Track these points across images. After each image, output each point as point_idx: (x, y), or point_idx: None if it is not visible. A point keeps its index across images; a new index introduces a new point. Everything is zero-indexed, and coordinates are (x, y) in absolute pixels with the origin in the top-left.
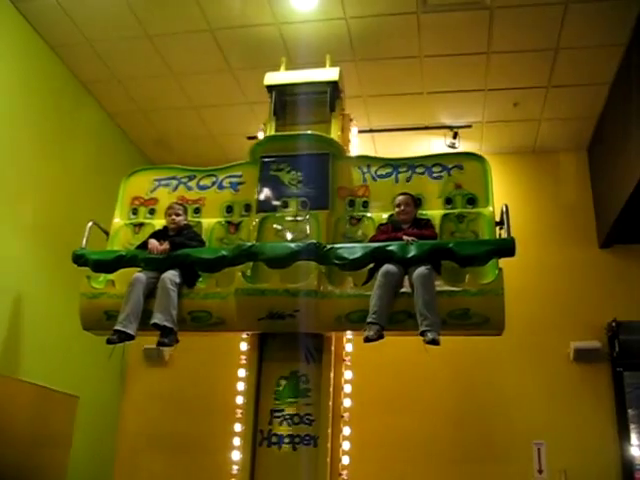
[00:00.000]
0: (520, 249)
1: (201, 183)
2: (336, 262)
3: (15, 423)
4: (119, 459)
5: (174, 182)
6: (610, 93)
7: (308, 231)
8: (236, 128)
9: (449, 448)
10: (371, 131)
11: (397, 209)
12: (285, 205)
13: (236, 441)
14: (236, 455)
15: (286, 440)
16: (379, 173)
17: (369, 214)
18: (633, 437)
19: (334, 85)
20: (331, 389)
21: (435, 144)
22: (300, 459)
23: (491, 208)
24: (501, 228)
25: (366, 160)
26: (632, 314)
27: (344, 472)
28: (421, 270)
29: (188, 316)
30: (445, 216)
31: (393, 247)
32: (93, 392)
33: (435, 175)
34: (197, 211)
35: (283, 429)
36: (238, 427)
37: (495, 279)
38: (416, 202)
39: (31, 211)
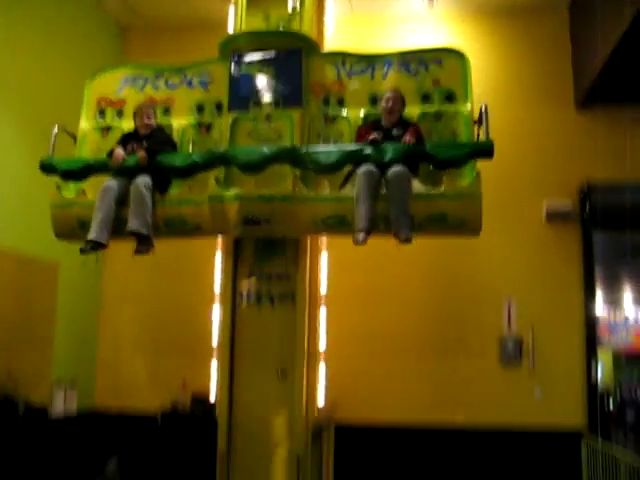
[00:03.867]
0: (497, 109)
1: (170, 82)
2: (311, 166)
3: None
4: (103, 321)
5: (141, 81)
6: None
7: (282, 131)
8: None
9: (424, 308)
10: None
11: (384, 105)
12: (257, 104)
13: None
14: (217, 313)
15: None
16: (354, 69)
17: (344, 113)
18: (598, 294)
19: None
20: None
21: (413, 3)
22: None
23: (469, 105)
24: (479, 127)
25: (340, 56)
26: (605, 175)
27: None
28: (396, 169)
29: (162, 223)
30: (422, 115)
31: (369, 150)
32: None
33: (412, 71)
34: (166, 111)
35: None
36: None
37: (472, 182)
38: (403, 101)
39: None
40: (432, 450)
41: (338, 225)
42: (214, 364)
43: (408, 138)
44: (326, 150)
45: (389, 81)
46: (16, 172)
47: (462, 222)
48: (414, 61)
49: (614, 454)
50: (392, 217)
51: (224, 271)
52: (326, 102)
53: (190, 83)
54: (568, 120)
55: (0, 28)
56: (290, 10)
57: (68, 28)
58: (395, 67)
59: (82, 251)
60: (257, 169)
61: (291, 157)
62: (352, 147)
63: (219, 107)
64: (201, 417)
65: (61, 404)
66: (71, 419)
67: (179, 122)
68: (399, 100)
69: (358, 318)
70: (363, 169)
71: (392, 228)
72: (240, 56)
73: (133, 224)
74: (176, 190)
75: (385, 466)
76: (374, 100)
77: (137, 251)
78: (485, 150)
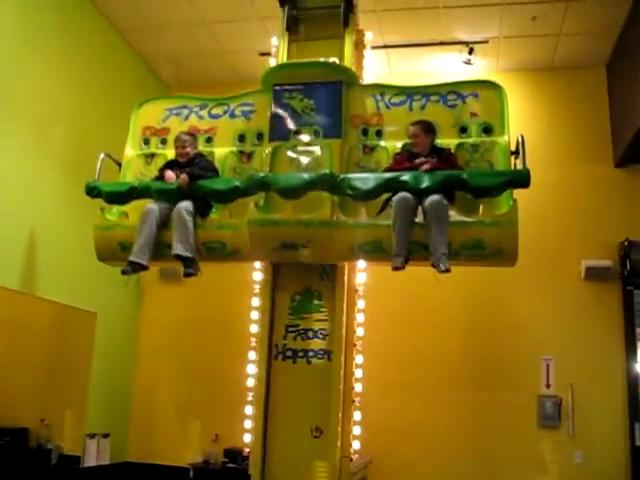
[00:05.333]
0: (535, 167)
1: (213, 112)
2: (349, 192)
3: (36, 341)
4: (138, 374)
5: (185, 111)
6: (632, 7)
7: (321, 160)
8: (248, 44)
9: (460, 366)
10: (385, 47)
11: (410, 140)
12: (298, 134)
13: (252, 355)
14: (252, 369)
15: (300, 354)
16: (393, 101)
17: (383, 143)
18: None
19: None
20: (344, 306)
21: (450, 60)
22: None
23: (506, 137)
24: (516, 157)
25: (380, 88)
26: None
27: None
28: (434, 199)
29: (202, 247)
30: (459, 145)
31: (406, 177)
32: (111, 308)
33: (450, 103)
34: (209, 140)
35: (297, 343)
36: (253, 341)
37: (509, 210)
38: (429, 129)
39: (41, 129)
40: None
41: (375, 251)
42: (248, 420)
43: (424, 167)
44: (364, 177)
45: (427, 113)
46: (60, 226)
47: (498, 250)
48: (452, 94)
49: None
50: (430, 248)
51: (260, 324)
52: (365, 133)
53: (232, 114)
54: (607, 178)
55: (42, 80)
56: None
57: (110, 82)
58: (433, 99)
59: (123, 272)
60: (296, 194)
61: (329, 183)
62: (389, 175)
63: (260, 137)
64: (233, 470)
65: (94, 455)
66: (104, 468)
67: (221, 150)
68: (421, 132)
69: (391, 386)
70: (399, 197)
71: (430, 258)
72: (281, 88)
73: (178, 248)
74: (216, 215)
75: None
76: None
77: (186, 274)
78: (521, 179)
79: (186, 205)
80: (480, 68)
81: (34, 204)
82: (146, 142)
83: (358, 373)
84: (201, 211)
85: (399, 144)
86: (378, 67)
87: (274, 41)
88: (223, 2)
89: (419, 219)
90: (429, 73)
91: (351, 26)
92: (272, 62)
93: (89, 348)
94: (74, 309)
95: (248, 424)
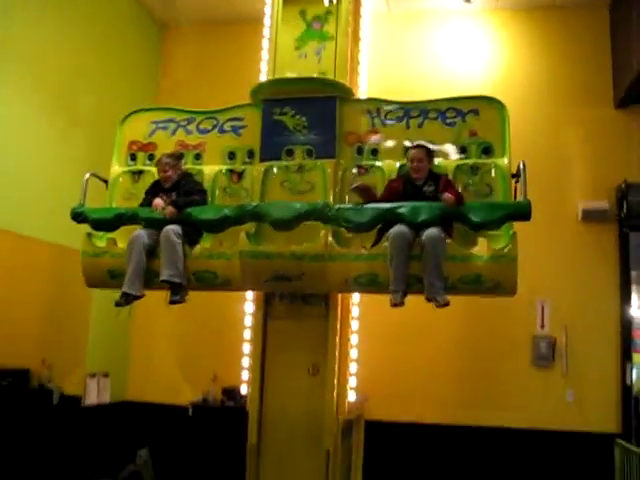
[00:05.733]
0: (534, 106)
1: (201, 127)
2: (344, 224)
3: (36, 283)
4: (137, 313)
5: (172, 125)
6: None
7: (314, 184)
8: None
9: (455, 306)
10: None
11: (410, 164)
12: (290, 153)
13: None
14: (250, 307)
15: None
16: (389, 118)
17: (378, 163)
18: (634, 297)
19: None
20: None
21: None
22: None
23: (507, 160)
24: (517, 181)
25: (375, 103)
26: None
27: None
28: (432, 233)
29: (193, 277)
30: (458, 167)
31: (403, 210)
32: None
33: (449, 121)
34: (198, 157)
35: None
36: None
37: (508, 244)
38: (431, 155)
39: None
40: (461, 448)
41: (370, 284)
42: (245, 357)
43: (448, 197)
44: (359, 209)
45: (425, 131)
46: (48, 163)
47: (497, 284)
48: (451, 111)
49: None
50: (426, 282)
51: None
52: (359, 151)
53: (222, 129)
54: (607, 119)
55: (37, 23)
56: (327, 4)
57: (105, 25)
58: (431, 116)
59: (117, 304)
60: (289, 226)
61: (323, 215)
62: (386, 206)
63: (251, 154)
64: (231, 409)
65: (94, 394)
66: (104, 408)
67: (210, 168)
68: (423, 157)
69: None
70: (396, 232)
71: (425, 292)
72: (272, 103)
73: (166, 274)
74: (207, 243)
75: (414, 462)
76: (408, 149)
77: (172, 302)
78: (522, 212)
79: (175, 228)
80: (479, 7)
81: (26, 145)
82: (133, 158)
83: (355, 311)
84: (191, 239)
85: (396, 164)
86: (377, 6)
87: None
88: None
89: (415, 251)
90: (428, 11)
91: None
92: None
93: (88, 289)
94: (73, 250)
95: (246, 362)
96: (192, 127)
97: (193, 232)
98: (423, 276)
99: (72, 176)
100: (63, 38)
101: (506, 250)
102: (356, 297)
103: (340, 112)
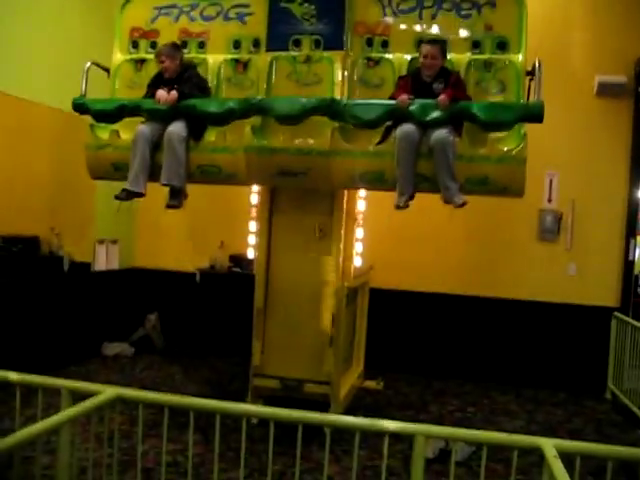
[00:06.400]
0: None
1: (205, 13)
2: (351, 121)
3: (43, 149)
4: None
5: (175, 11)
6: None
7: (322, 76)
8: None
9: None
10: None
11: (422, 59)
12: (297, 44)
13: None
14: None
15: None
16: (401, 8)
17: (389, 55)
18: None
19: None
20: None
21: None
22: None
23: (522, 56)
24: (531, 79)
25: None
26: None
27: None
28: (441, 134)
29: (197, 170)
30: (471, 63)
31: (413, 107)
32: None
33: (464, 13)
34: (201, 45)
35: None
36: None
37: (518, 145)
38: (445, 52)
39: None
40: (463, 316)
41: (376, 181)
42: (252, 223)
43: (442, 99)
44: (367, 104)
45: (438, 23)
46: (57, 30)
47: (504, 187)
48: (466, 2)
49: None
50: (441, 184)
51: None
52: (369, 43)
53: (227, 16)
54: None
55: None
56: None
57: None
58: (446, 7)
59: (117, 198)
60: (294, 121)
61: (330, 110)
62: (394, 103)
63: (257, 44)
64: (238, 274)
65: (103, 260)
66: (113, 273)
67: (215, 58)
68: (438, 54)
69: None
70: (403, 131)
71: (441, 195)
72: None
73: (165, 177)
74: (211, 136)
75: (416, 328)
76: (421, 43)
77: (169, 205)
78: (535, 113)
79: (178, 130)
80: None
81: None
82: (135, 45)
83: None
84: (195, 133)
85: (408, 56)
86: None
87: None
88: None
89: (423, 149)
90: None
91: None
92: None
93: None
94: (81, 117)
95: (253, 227)
96: (196, 14)
97: (197, 127)
98: (437, 178)
99: (80, 43)
100: None
101: (515, 152)
102: None
103: (349, 1)
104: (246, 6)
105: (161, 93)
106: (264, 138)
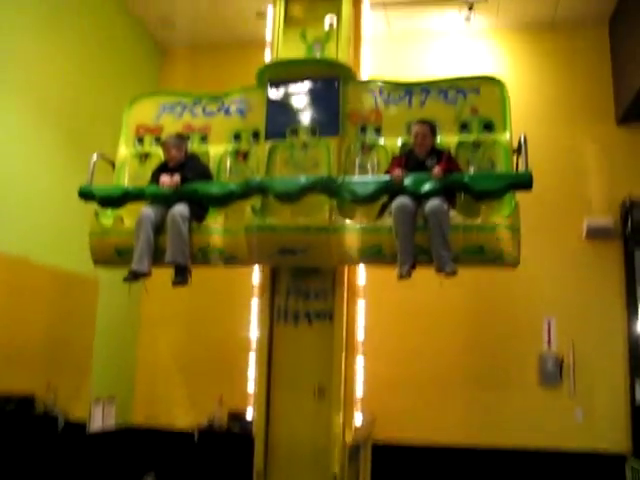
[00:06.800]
0: (536, 124)
1: (207, 109)
2: (348, 197)
3: (40, 308)
4: (142, 337)
5: (179, 108)
6: None
7: (319, 160)
8: (244, 4)
9: (461, 326)
10: (384, 4)
11: (414, 139)
12: (294, 132)
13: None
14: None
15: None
16: (391, 97)
17: (382, 141)
18: None
19: None
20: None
21: (450, 18)
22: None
23: (508, 135)
24: (518, 156)
25: (378, 84)
26: None
27: None
28: (435, 204)
29: (199, 252)
30: (460, 144)
31: (407, 181)
32: (114, 273)
33: (450, 99)
34: (204, 139)
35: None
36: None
37: (511, 214)
38: (434, 131)
39: (38, 96)
40: (470, 470)
41: (375, 256)
42: (251, 382)
43: (437, 171)
44: (363, 181)
45: (427, 109)
46: (54, 190)
47: (499, 255)
48: (452, 89)
49: None
50: (434, 253)
51: (260, 289)
52: (363, 130)
53: (227, 111)
54: (609, 136)
55: (38, 47)
56: (327, 27)
57: (106, 46)
58: (433, 95)
59: (126, 280)
60: (293, 199)
61: (327, 187)
62: (389, 178)
63: (256, 135)
64: (238, 434)
65: (99, 420)
66: (109, 434)
67: (216, 150)
68: (428, 133)
69: (396, 341)
70: (399, 203)
71: (434, 264)
72: (277, 84)
73: (171, 255)
74: (213, 219)
75: None
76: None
77: (175, 283)
78: (524, 182)
79: (181, 210)
80: (480, 26)
81: (32, 171)
82: (140, 141)
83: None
84: (197, 215)
85: (399, 142)
86: (377, 26)
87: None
88: None
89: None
90: (428, 32)
91: None
92: (269, 20)
93: (92, 313)
94: (76, 276)
95: (251, 386)
96: (198, 109)
97: (199, 209)
98: (431, 249)
99: (77, 202)
100: (63, 59)
101: (508, 221)
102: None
103: (343, 92)
104: (245, 101)
105: (165, 177)
106: (264, 217)
